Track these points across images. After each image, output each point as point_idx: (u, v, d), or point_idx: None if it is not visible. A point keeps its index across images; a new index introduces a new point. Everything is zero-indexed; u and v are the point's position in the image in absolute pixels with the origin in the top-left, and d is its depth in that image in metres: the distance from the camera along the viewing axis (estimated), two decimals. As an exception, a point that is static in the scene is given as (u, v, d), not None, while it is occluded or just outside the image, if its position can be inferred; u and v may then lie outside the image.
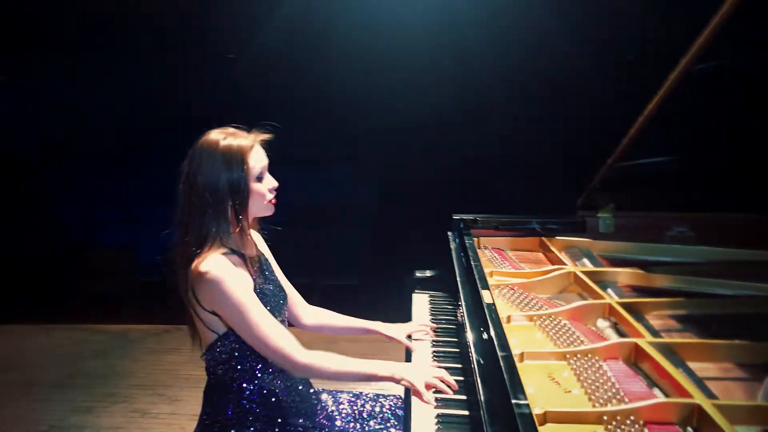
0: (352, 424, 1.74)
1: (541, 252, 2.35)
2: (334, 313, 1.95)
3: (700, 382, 1.34)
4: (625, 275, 1.98)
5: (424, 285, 2.39)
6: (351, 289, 4.61)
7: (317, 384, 1.85)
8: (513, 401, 1.14)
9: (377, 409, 1.78)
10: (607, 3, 3.25)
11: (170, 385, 3.37)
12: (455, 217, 2.40)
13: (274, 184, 1.60)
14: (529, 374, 1.39)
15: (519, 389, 1.18)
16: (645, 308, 1.72)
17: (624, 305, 1.67)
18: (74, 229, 5.73)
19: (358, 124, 4.32)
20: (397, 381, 1.56)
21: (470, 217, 2.39)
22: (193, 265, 1.47)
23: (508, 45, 3.60)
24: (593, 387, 1.31)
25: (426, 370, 1.56)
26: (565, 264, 2.08)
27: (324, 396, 1.82)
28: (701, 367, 1.43)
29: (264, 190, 1.56)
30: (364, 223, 4.67)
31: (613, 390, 1.29)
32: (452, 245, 2.23)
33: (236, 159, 1.49)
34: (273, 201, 1.61)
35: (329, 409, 1.77)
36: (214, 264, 1.46)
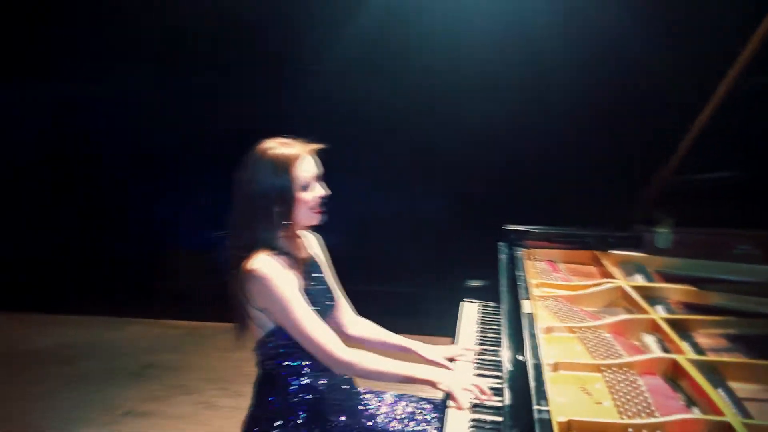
0: (392, 424, 1.79)
1: (594, 266, 2.33)
2: (380, 327, 1.99)
3: (738, 403, 1.31)
4: (676, 292, 1.94)
5: (475, 294, 2.42)
6: (407, 297, 4.65)
7: (361, 384, 1.93)
8: (534, 407, 1.17)
9: (418, 411, 1.83)
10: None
11: (234, 380, 3.55)
12: (506, 227, 2.42)
13: (322, 193, 1.68)
14: (561, 384, 1.41)
15: (542, 396, 1.21)
16: (691, 325, 1.69)
17: (669, 321, 1.65)
18: (155, 232, 6.09)
19: (420, 136, 4.38)
20: (436, 385, 1.62)
21: (522, 228, 2.40)
22: (244, 264, 1.59)
23: (568, 56, 3.58)
24: (624, 400, 1.31)
25: (464, 377, 1.61)
26: (614, 278, 2.05)
27: (367, 395, 1.88)
28: (744, 388, 1.39)
29: (309, 199, 1.65)
30: (424, 232, 4.71)
31: (645, 404, 1.29)
32: (501, 255, 2.25)
33: (283, 168, 1.59)
34: (318, 210, 1.69)
35: (371, 408, 1.83)
36: (262, 263, 1.57)
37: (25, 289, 5.15)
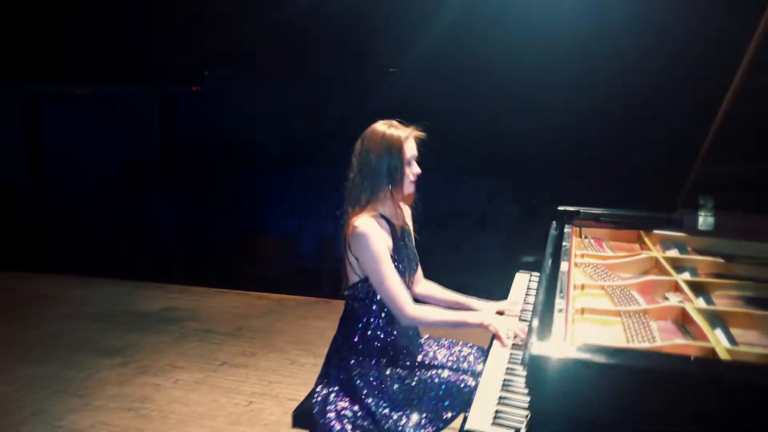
0: (448, 362, 2.14)
1: (638, 244, 2.57)
2: (442, 287, 2.36)
3: (732, 340, 1.57)
4: (705, 263, 2.17)
5: (530, 266, 2.74)
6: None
7: (424, 333, 2.30)
8: (555, 304, 1.49)
9: (468, 353, 2.17)
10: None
11: (315, 342, 4.00)
12: (560, 208, 2.70)
13: (418, 171, 2.06)
14: (584, 322, 1.72)
15: (557, 304, 1.52)
16: (710, 287, 1.93)
17: (689, 283, 1.91)
18: (249, 219, 6.73)
19: (489, 132, 4.67)
20: (486, 327, 1.97)
21: (573, 209, 2.68)
22: (351, 220, 1.99)
23: (616, 47, 3.76)
24: (634, 332, 1.61)
25: (508, 323, 1.95)
26: (652, 251, 2.30)
27: (428, 341, 2.24)
28: (743, 333, 1.64)
29: (410, 173, 2.03)
30: (497, 219, 5.00)
31: (649, 335, 1.58)
32: (552, 231, 2.54)
33: (396, 146, 1.98)
34: (414, 184, 2.07)
35: (430, 352, 2.19)
36: (365, 222, 1.96)
37: (141, 261, 5.92)
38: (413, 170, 2.04)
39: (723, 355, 1.39)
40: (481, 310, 2.24)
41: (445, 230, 5.40)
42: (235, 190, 7.10)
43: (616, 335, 1.64)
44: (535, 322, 1.53)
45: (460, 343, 2.24)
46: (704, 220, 2.50)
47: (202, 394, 3.35)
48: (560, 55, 4.13)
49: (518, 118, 4.66)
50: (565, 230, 2.55)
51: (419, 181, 2.08)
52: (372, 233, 1.94)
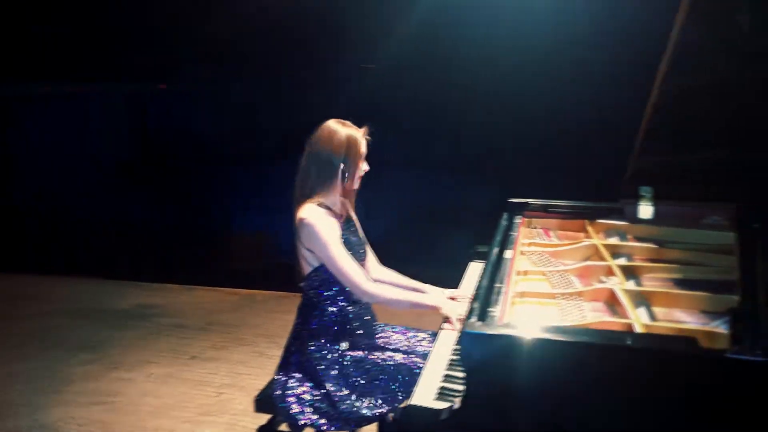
0: (402, 344, 2.27)
1: (582, 232, 2.73)
2: (397, 273, 2.49)
3: (652, 317, 1.73)
4: (640, 249, 2.34)
5: (485, 257, 2.88)
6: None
7: (380, 319, 2.42)
8: (487, 309, 1.63)
9: (422, 337, 2.31)
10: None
11: (283, 335, 4.05)
12: (511, 200, 2.84)
13: (367, 168, 2.20)
14: (524, 305, 1.86)
15: (495, 305, 1.66)
16: (642, 271, 2.09)
17: (622, 267, 2.07)
18: (220, 216, 6.79)
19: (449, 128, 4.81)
20: (438, 309, 2.11)
21: (523, 201, 2.83)
22: (297, 213, 2.10)
23: (560, 39, 3.92)
24: (566, 311, 1.76)
25: (460, 308, 2.09)
26: (594, 239, 2.46)
27: (384, 328, 2.37)
28: (664, 311, 1.80)
29: (360, 170, 2.17)
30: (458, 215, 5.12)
31: (580, 313, 1.73)
32: (502, 222, 2.68)
33: (354, 145, 2.10)
34: (360, 178, 2.21)
35: (385, 336, 2.32)
36: (310, 212, 2.07)
37: (113, 259, 5.95)
38: (364, 168, 2.17)
39: (639, 329, 1.54)
40: (436, 292, 2.37)
41: (407, 223, 5.54)
42: (206, 187, 7.15)
43: (550, 315, 1.79)
44: (476, 304, 1.67)
45: (414, 329, 2.38)
46: (642, 209, 2.67)
47: (173, 387, 3.43)
48: (519, 51, 4.28)
49: (482, 114, 4.80)
50: (515, 221, 2.70)
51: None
52: (319, 221, 2.06)
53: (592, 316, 1.74)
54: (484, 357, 1.36)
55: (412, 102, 5.21)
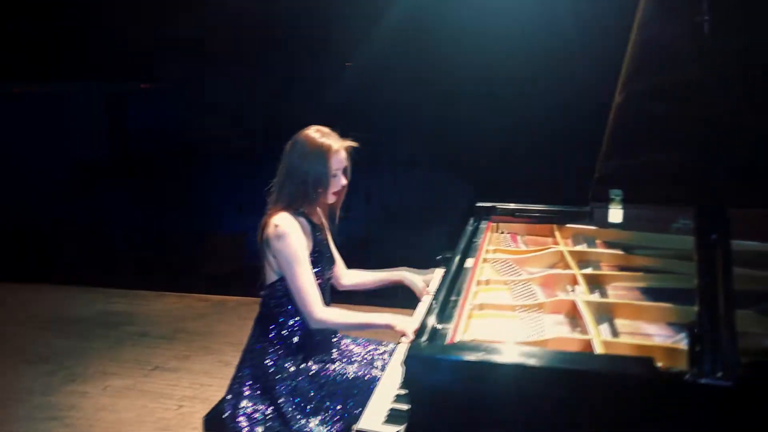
0: (361, 357, 2.17)
1: (551, 237, 2.64)
2: (366, 271, 2.40)
3: (614, 332, 1.64)
4: (608, 256, 2.25)
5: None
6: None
7: (343, 331, 2.32)
8: (438, 326, 1.52)
9: (382, 350, 2.21)
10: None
11: (251, 343, 3.98)
12: (478, 204, 2.75)
13: (344, 183, 2.08)
14: (482, 318, 1.76)
15: (448, 320, 1.56)
16: (608, 280, 2.00)
17: (586, 276, 1.97)
18: (195, 219, 6.63)
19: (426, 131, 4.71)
20: (392, 327, 2.00)
21: (490, 204, 2.73)
22: (270, 218, 1.98)
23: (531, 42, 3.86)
24: (525, 325, 1.66)
25: (414, 323, 1.99)
26: (560, 245, 2.37)
27: (346, 341, 2.26)
28: (627, 323, 1.71)
29: (335, 184, 2.05)
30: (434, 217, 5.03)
31: (539, 328, 1.63)
32: (467, 227, 2.58)
33: (324, 156, 1.98)
34: (337, 195, 2.11)
35: (345, 350, 2.21)
36: (285, 220, 1.97)
37: (81, 264, 5.76)
38: (339, 182, 2.05)
39: (598, 347, 1.45)
40: (412, 281, 2.33)
41: (385, 224, 5.44)
42: (183, 189, 6.99)
43: (509, 329, 1.69)
44: (427, 320, 1.56)
45: (376, 342, 2.27)
46: (612, 213, 2.58)
47: (131, 400, 3.30)
48: (490, 52, 4.20)
49: (456, 114, 4.71)
50: (481, 226, 2.61)
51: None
52: (292, 233, 1.95)
53: (552, 331, 1.65)
54: (427, 381, 1.25)
55: (387, 102, 5.11)
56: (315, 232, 2.07)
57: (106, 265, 6.02)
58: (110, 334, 4.24)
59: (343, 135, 2.08)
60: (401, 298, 2.35)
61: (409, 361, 1.27)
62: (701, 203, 1.36)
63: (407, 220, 5.41)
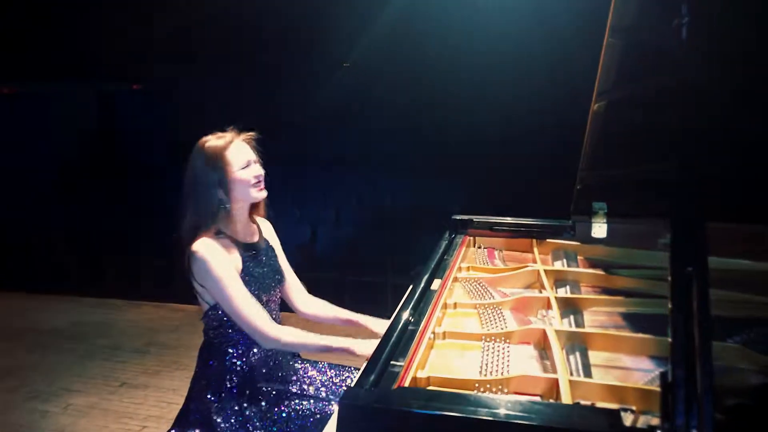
0: (322, 390, 2.00)
1: (531, 253, 2.48)
2: (330, 304, 2.21)
3: (586, 366, 1.47)
4: (587, 276, 2.09)
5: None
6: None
7: (305, 355, 2.15)
8: (391, 362, 1.36)
9: (347, 378, 2.04)
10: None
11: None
12: (454, 217, 2.59)
13: (259, 172, 1.90)
14: (444, 349, 1.60)
15: (402, 354, 1.40)
16: (585, 303, 1.84)
17: (561, 300, 1.81)
18: (161, 225, 6.42)
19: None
20: (353, 352, 1.84)
21: (467, 218, 2.57)
22: (189, 246, 1.82)
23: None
24: (488, 361, 1.49)
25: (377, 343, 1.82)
26: (537, 263, 2.21)
27: (301, 365, 2.08)
28: (601, 356, 1.55)
29: (248, 177, 1.87)
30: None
31: (503, 362, 1.47)
32: (441, 242, 2.42)
33: (216, 157, 1.83)
34: (261, 187, 1.91)
35: (303, 377, 2.03)
36: (203, 245, 1.80)
37: (47, 272, 5.57)
38: (252, 173, 1.88)
39: (564, 390, 1.29)
40: (375, 326, 2.10)
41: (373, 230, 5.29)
42: (172, 193, 6.79)
43: (471, 363, 1.53)
44: (377, 355, 1.40)
45: (338, 366, 2.11)
46: (594, 227, 2.43)
47: (92, 420, 3.13)
48: (476, 56, 4.05)
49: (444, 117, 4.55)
50: (456, 240, 2.45)
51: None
52: (211, 256, 1.79)
53: (517, 367, 1.48)
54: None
55: (374, 102, 4.95)
56: (243, 251, 1.90)
57: (81, 272, 5.83)
58: (79, 347, 4.08)
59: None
60: (392, 298, 2.17)
61: (343, 410, 1.11)
62: (676, 225, 1.21)
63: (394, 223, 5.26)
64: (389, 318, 2.16)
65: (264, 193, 1.93)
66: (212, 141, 1.86)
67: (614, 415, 1.06)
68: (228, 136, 1.89)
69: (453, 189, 4.61)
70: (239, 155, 1.86)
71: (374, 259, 4.55)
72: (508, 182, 4.00)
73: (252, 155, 1.90)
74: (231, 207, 1.87)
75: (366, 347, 1.84)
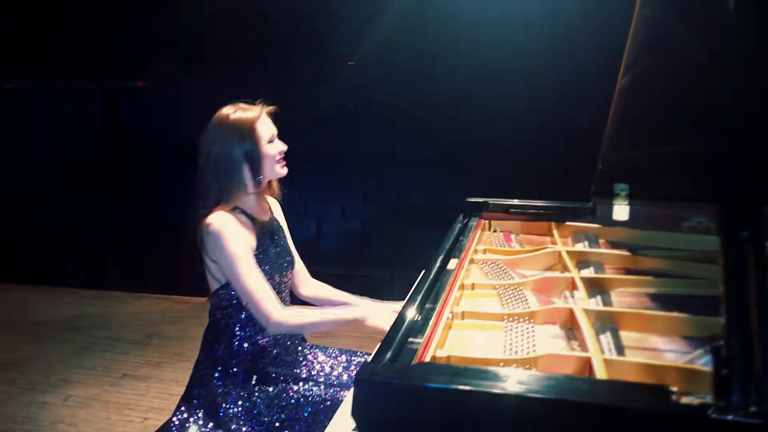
0: (332, 375, 1.90)
1: (549, 236, 2.38)
2: (331, 288, 2.10)
3: (618, 347, 1.36)
4: (611, 257, 1.98)
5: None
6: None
7: (313, 340, 2.05)
8: (409, 339, 1.26)
9: (357, 362, 1.94)
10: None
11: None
12: (469, 200, 2.48)
13: (283, 147, 1.81)
14: (463, 329, 1.50)
15: (420, 332, 1.29)
16: (612, 284, 1.74)
17: (586, 279, 1.71)
18: (165, 218, 6.34)
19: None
20: (362, 322, 1.73)
21: (482, 200, 2.46)
22: (204, 218, 1.72)
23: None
24: (513, 341, 1.39)
25: (390, 313, 1.71)
26: (558, 245, 2.10)
27: (315, 351, 1.98)
28: (633, 336, 1.44)
29: (274, 152, 1.77)
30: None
31: (529, 342, 1.37)
32: (455, 225, 2.31)
33: (246, 130, 1.72)
34: (284, 164, 1.82)
35: (311, 362, 1.93)
36: (219, 218, 1.70)
37: (50, 265, 5.49)
38: (277, 148, 1.79)
39: (598, 368, 1.18)
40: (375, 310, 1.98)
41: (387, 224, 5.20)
42: (176, 188, 6.71)
43: (493, 343, 1.43)
44: (393, 333, 1.30)
45: (350, 351, 2.00)
46: (617, 209, 2.32)
47: (93, 411, 3.04)
48: (490, 48, 3.97)
49: (455, 111, 4.47)
50: (471, 223, 2.34)
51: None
52: (227, 231, 1.69)
53: (544, 346, 1.38)
54: (380, 414, 0.99)
55: (389, 98, 4.87)
56: (259, 230, 1.80)
57: (84, 265, 5.75)
58: (80, 339, 3.98)
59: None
60: (398, 293, 2.05)
61: (358, 387, 1.01)
62: (725, 197, 1.10)
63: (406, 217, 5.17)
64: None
65: (286, 170, 1.84)
66: (239, 113, 1.75)
67: (661, 391, 0.95)
68: (255, 108, 1.78)
69: (462, 185, 4.51)
70: (266, 129, 1.76)
71: (379, 255, 4.47)
72: (514, 180, 3.90)
73: (275, 130, 1.80)
74: (258, 182, 1.77)
75: (380, 316, 1.74)
